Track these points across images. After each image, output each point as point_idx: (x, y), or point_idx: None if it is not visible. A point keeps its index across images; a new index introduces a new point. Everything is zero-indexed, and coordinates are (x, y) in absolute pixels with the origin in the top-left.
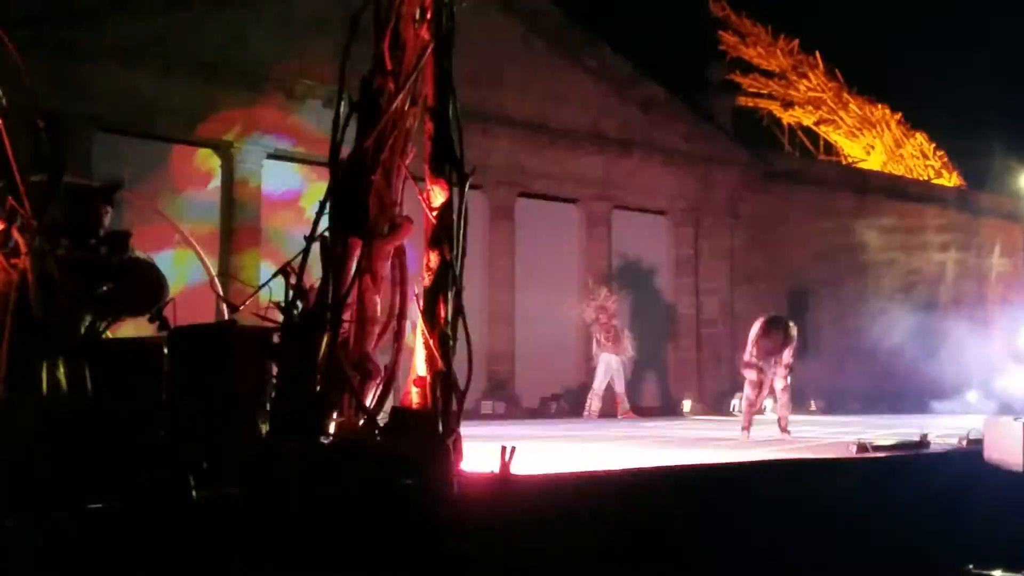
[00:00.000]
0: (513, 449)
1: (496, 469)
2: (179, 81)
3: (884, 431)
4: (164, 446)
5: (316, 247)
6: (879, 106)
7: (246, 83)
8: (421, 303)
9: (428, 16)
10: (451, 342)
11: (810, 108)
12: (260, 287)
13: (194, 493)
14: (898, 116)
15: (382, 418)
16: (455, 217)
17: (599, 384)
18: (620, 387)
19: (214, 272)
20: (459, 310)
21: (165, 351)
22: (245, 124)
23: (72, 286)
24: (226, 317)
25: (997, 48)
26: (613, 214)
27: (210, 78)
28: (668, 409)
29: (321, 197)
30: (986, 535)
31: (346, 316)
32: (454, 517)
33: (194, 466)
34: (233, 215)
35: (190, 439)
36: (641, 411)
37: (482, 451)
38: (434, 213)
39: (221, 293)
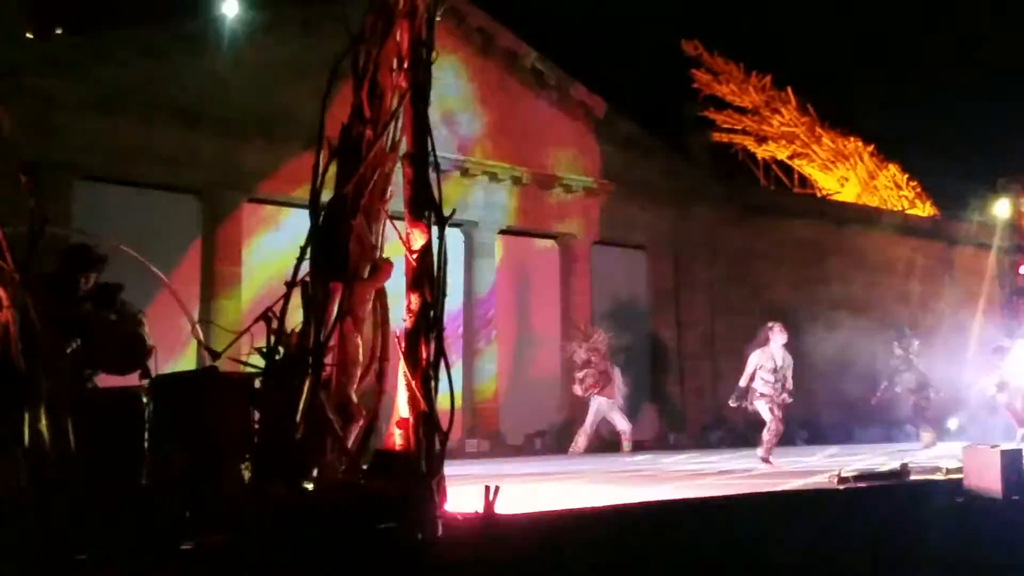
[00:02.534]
0: (497, 489)
1: (480, 509)
2: (159, 128)
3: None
4: (148, 496)
5: (297, 291)
6: (851, 139)
7: (226, 128)
8: (403, 344)
9: (405, 65)
10: (433, 383)
11: (784, 142)
12: (242, 333)
13: (179, 542)
14: (871, 148)
15: (365, 460)
16: (435, 259)
17: (589, 424)
18: (621, 425)
19: (195, 319)
20: (441, 351)
21: (147, 400)
22: (225, 169)
23: (54, 340)
24: (207, 364)
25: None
26: (593, 249)
27: (190, 124)
28: (652, 443)
29: (302, 242)
30: (967, 563)
31: (328, 359)
32: (438, 559)
33: (178, 515)
34: (214, 260)
35: (173, 488)
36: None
37: (466, 491)
38: (414, 256)
39: (202, 340)
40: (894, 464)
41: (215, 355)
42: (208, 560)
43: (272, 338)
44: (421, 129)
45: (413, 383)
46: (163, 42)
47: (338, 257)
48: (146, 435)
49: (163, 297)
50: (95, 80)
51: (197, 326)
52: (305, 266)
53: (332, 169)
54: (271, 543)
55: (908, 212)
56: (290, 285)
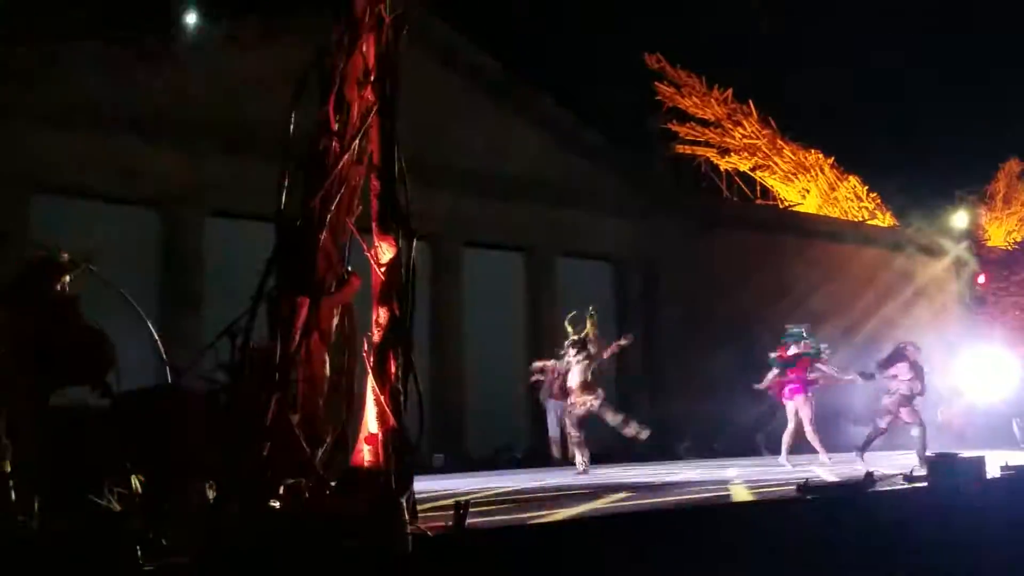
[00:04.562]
0: (467, 504)
1: (450, 525)
2: (117, 140)
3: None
4: (109, 516)
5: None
6: (812, 151)
7: (186, 141)
8: (370, 360)
9: (372, 77)
10: (402, 398)
11: (746, 155)
12: (206, 348)
13: (141, 564)
14: (831, 160)
15: (333, 477)
16: (403, 273)
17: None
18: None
19: (156, 335)
20: (410, 366)
21: (109, 417)
22: (185, 182)
23: (13, 355)
24: (169, 381)
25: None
26: (559, 261)
27: (150, 136)
28: (619, 454)
29: (266, 256)
30: (934, 570)
31: (294, 376)
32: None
33: (140, 536)
34: (174, 275)
35: (136, 508)
36: (593, 458)
37: (436, 507)
38: (382, 269)
39: (164, 356)
40: (856, 473)
41: (177, 372)
42: None
43: (236, 354)
44: (388, 142)
45: (382, 398)
46: (122, 52)
47: (304, 271)
48: (107, 453)
49: (121, 313)
50: (51, 91)
51: (159, 342)
52: (271, 281)
53: (297, 182)
54: (236, 564)
55: (868, 223)
56: (255, 300)
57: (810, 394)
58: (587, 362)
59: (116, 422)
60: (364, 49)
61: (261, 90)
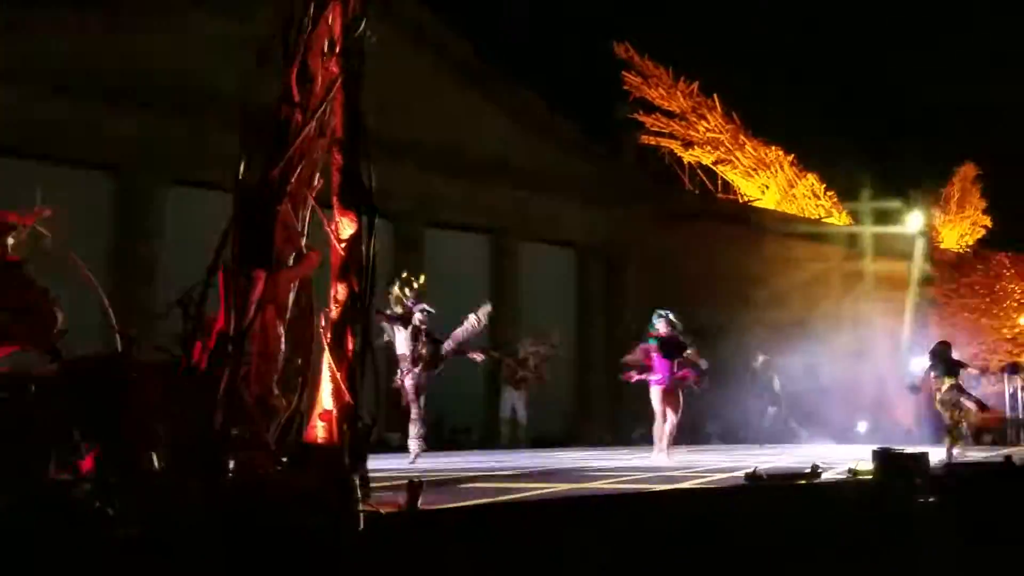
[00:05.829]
0: (421, 483)
1: (403, 504)
2: (73, 101)
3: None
4: (57, 487)
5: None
6: (773, 148)
7: (147, 106)
8: (327, 336)
9: (337, 49)
10: (359, 375)
11: (709, 148)
12: (158, 317)
13: (89, 536)
14: (791, 158)
15: (286, 454)
16: (364, 249)
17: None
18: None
19: (105, 300)
20: (368, 343)
21: (57, 384)
22: (144, 147)
23: None
24: (119, 349)
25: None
26: (523, 246)
27: (109, 99)
28: (577, 440)
29: (224, 225)
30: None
31: (248, 349)
32: (361, 553)
33: (89, 508)
34: (128, 242)
35: (84, 479)
36: (551, 443)
37: (390, 485)
38: (342, 245)
39: (115, 324)
40: (804, 465)
41: (129, 340)
42: (120, 554)
43: (190, 325)
44: (353, 116)
45: (338, 375)
46: (82, 13)
47: (262, 243)
48: (55, 422)
49: (72, 280)
50: (4, 51)
51: (110, 309)
52: (227, 252)
53: (258, 152)
54: (185, 538)
55: (824, 221)
56: (210, 270)
57: (673, 384)
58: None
59: (64, 389)
60: (330, 20)
61: (227, 58)
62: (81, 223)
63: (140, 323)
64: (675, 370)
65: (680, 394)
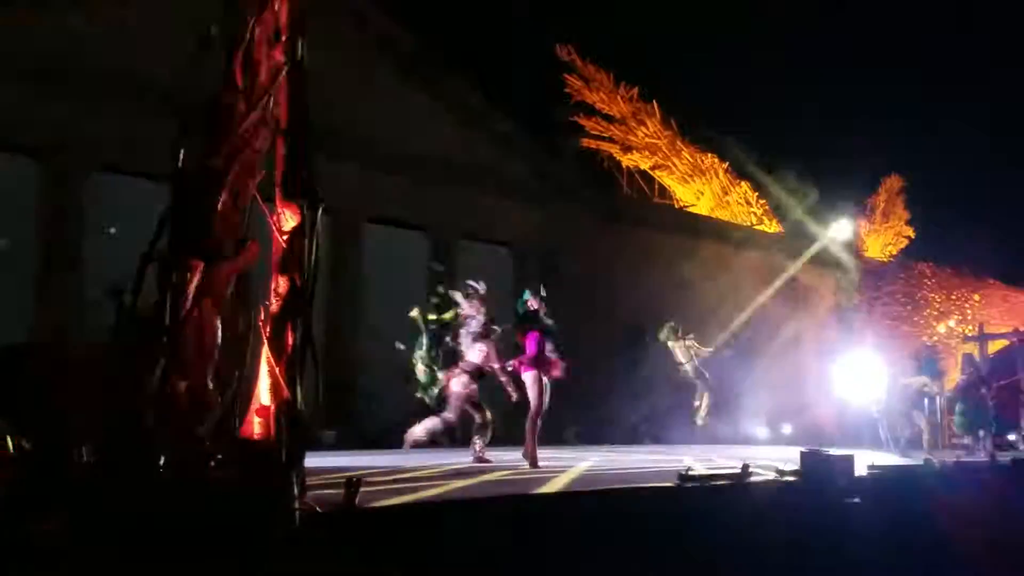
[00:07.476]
0: (359, 481)
1: (340, 502)
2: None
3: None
4: None
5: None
6: (708, 155)
7: (77, 89)
8: (266, 330)
9: (284, 38)
10: (298, 370)
11: (647, 153)
12: (89, 307)
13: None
14: (725, 165)
15: (220, 450)
16: (306, 242)
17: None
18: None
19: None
20: (308, 337)
21: None
22: (72, 133)
23: None
24: (48, 340)
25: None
26: (461, 244)
27: (36, 83)
28: (507, 440)
29: (159, 214)
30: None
31: (182, 342)
32: (296, 552)
33: (15, 500)
34: (53, 231)
35: (11, 471)
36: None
37: (327, 484)
38: (284, 237)
39: (35, 314)
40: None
41: (56, 331)
42: (47, 549)
43: (121, 316)
44: (298, 106)
45: (277, 370)
46: None
47: (199, 233)
48: None
49: None
50: None
51: (31, 299)
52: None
53: (197, 140)
54: (109, 532)
55: (756, 228)
56: (144, 260)
57: (539, 373)
58: None
59: None
60: (276, 7)
61: (165, 42)
62: (5, 211)
63: (67, 313)
64: (544, 351)
65: (543, 380)
